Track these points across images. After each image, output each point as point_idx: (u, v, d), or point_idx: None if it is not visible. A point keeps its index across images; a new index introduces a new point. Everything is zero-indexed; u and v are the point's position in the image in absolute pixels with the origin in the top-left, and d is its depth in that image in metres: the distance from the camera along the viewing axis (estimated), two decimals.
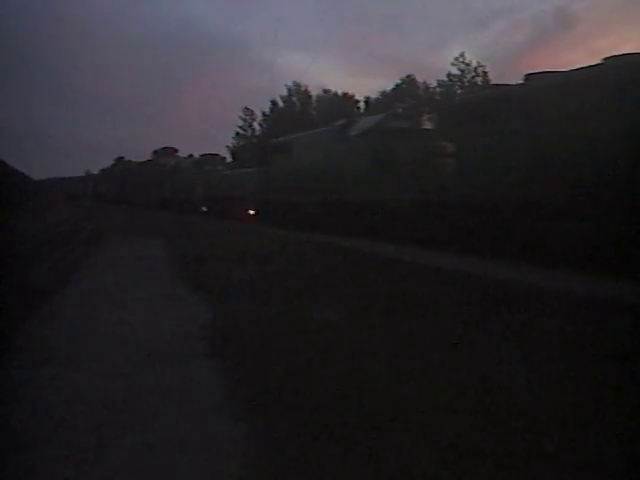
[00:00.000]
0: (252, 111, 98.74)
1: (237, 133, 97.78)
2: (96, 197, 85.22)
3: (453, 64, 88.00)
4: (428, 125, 27.12)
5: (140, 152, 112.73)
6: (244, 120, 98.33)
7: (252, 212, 39.64)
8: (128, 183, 71.35)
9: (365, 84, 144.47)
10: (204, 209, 49.20)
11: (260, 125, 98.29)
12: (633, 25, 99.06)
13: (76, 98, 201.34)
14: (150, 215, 49.70)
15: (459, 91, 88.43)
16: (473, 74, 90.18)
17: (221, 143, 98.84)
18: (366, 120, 30.05)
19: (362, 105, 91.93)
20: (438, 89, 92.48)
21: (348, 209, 27.39)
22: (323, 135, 32.22)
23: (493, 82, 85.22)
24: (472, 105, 21.99)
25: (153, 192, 61.69)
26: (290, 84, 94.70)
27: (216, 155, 53.26)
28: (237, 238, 27.44)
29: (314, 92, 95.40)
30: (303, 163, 32.53)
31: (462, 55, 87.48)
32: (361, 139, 27.29)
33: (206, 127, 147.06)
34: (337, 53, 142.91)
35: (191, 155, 58.45)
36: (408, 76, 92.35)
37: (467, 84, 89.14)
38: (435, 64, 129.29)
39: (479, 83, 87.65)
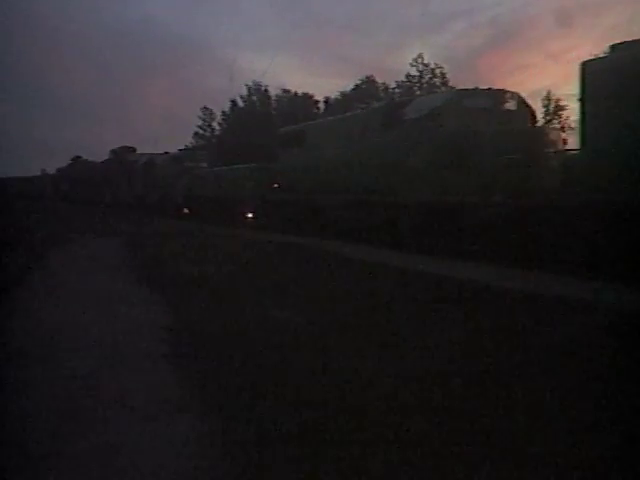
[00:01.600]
0: (211, 111, 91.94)
1: (196, 133, 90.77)
2: (56, 197, 74.55)
3: (412, 65, 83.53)
4: (512, 105, 19.28)
5: (96, 152, 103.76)
6: (203, 120, 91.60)
7: (250, 215, 31.37)
8: (92, 182, 61.51)
9: (325, 84, 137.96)
10: (185, 211, 40.51)
11: (220, 125, 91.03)
12: (587, 29, 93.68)
13: (29, 96, 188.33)
14: (117, 218, 41.39)
15: (417, 92, 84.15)
16: (431, 75, 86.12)
17: (180, 143, 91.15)
18: (425, 100, 22.07)
19: (322, 105, 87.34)
20: (397, 90, 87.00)
21: (398, 213, 19.59)
22: (356, 121, 24.12)
23: (451, 83, 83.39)
24: None
25: (122, 191, 52.32)
26: (250, 84, 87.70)
27: (197, 150, 43.92)
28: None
29: (274, 92, 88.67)
30: (324, 156, 24.42)
31: (420, 56, 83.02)
32: (422, 123, 19.31)
33: (164, 127, 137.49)
34: (296, 53, 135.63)
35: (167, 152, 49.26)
36: (367, 77, 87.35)
37: (425, 85, 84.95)
38: (394, 65, 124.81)
39: (437, 84, 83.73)
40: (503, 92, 19.32)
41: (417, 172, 19.05)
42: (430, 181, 18.39)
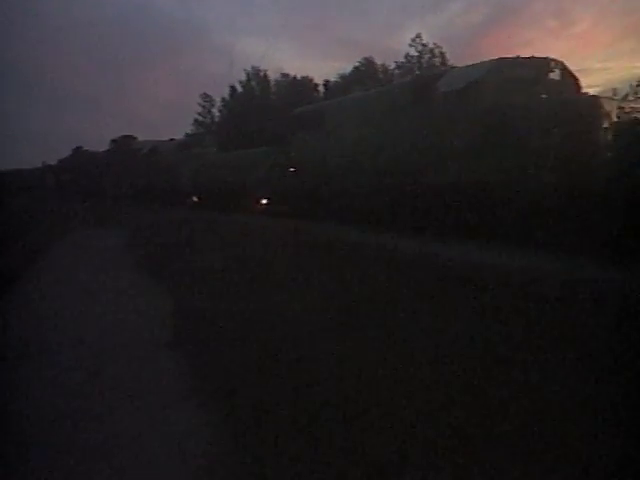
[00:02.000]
0: (211, 97, 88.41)
1: (195, 120, 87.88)
2: (57, 189, 71.95)
3: (411, 45, 78.29)
4: (556, 74, 17.37)
5: (97, 142, 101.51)
6: (203, 107, 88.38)
7: (264, 201, 29.45)
8: (94, 172, 59.09)
9: (323, 67, 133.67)
10: (195, 199, 38.23)
11: (219, 111, 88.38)
12: (585, 5, 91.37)
13: (27, 88, 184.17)
14: (121, 209, 39.40)
15: (417, 72, 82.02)
16: (430, 55, 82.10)
17: (180, 131, 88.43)
18: (461, 71, 20.03)
19: (321, 89, 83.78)
20: (397, 71, 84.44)
21: (440, 198, 17.53)
22: (382, 97, 22.16)
23: (450, 63, 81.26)
24: None
25: (125, 181, 49.93)
26: (249, 69, 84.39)
27: (205, 135, 41.50)
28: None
29: (273, 77, 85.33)
30: (345, 137, 22.50)
31: (419, 36, 77.90)
32: (461, 97, 17.37)
33: (164, 115, 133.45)
34: (294, 37, 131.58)
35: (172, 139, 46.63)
36: (366, 59, 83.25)
37: (425, 65, 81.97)
38: (393, 46, 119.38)
39: (437, 64, 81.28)
40: (547, 61, 17.42)
41: (455, 152, 17.15)
42: (471, 162, 16.50)
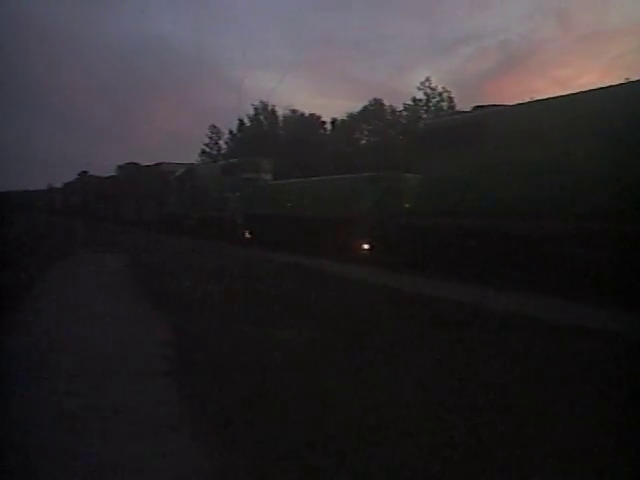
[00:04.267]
0: (218, 129, 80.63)
1: (203, 151, 79.53)
2: (66, 212, 60.99)
3: (419, 88, 72.94)
4: None
5: (101, 167, 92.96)
6: (210, 138, 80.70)
7: (366, 246, 19.83)
8: (111, 196, 48.55)
9: (331, 105, 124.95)
10: (247, 235, 27.66)
11: (226, 143, 79.94)
12: (594, 57, 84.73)
13: (35, 112, 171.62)
14: (148, 240, 29.72)
15: (424, 115, 74.60)
16: (438, 99, 75.34)
17: (186, 161, 78.90)
18: None
19: (329, 126, 76.96)
20: (404, 113, 76.89)
21: None
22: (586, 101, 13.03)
23: (458, 108, 73.93)
24: None
25: (148, 208, 39.03)
26: (257, 103, 77.04)
27: (256, 159, 31.16)
28: None
29: (281, 112, 77.68)
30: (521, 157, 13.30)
31: (428, 80, 72.85)
32: None
33: (170, 144, 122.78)
34: (304, 73, 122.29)
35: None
36: (375, 99, 75.88)
37: (433, 109, 74.83)
38: (401, 88, 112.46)
39: (444, 108, 73.84)
40: None
41: None
42: None
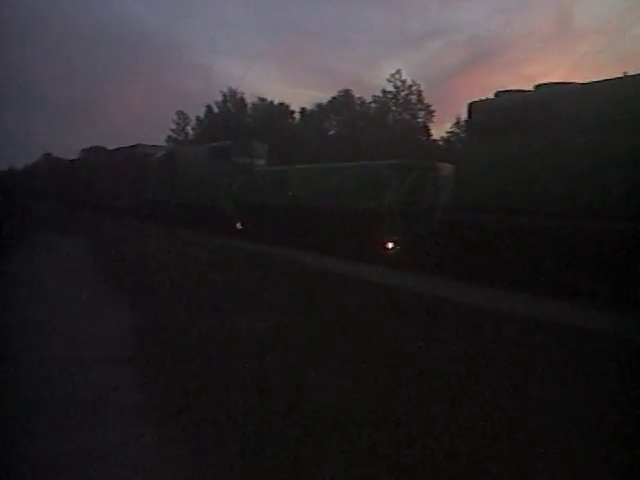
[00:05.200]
0: (186, 115, 76.82)
1: (169, 137, 75.40)
2: (31, 195, 55.80)
3: (389, 81, 70.37)
4: None
5: (66, 150, 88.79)
6: (177, 123, 76.67)
7: (391, 245, 16.50)
8: (80, 179, 43.61)
9: (301, 95, 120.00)
10: (239, 226, 23.84)
11: (193, 130, 76.37)
12: (560, 56, 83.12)
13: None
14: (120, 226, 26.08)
15: (393, 108, 72.10)
16: (408, 92, 71.82)
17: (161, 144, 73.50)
18: None
19: (297, 116, 74.01)
20: (373, 104, 74.17)
21: None
22: None
23: (426, 101, 71.70)
24: None
25: (126, 193, 34.01)
26: (226, 90, 73.19)
27: (250, 142, 26.95)
28: None
29: (250, 100, 74.06)
30: None
31: (398, 72, 70.03)
32: None
33: (136, 128, 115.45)
34: (274, 62, 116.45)
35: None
36: (345, 90, 72.68)
37: (401, 101, 72.16)
38: (370, 79, 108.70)
39: (413, 101, 71.35)
40: None
41: None
42: None
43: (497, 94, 14.21)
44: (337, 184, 18.09)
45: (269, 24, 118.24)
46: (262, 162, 25.00)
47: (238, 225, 23.34)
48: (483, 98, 14.70)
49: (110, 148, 43.90)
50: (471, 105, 14.27)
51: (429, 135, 70.92)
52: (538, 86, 13.59)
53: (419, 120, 71.79)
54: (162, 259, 15.06)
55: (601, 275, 10.84)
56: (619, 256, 10.26)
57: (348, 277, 12.90)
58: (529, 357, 6.57)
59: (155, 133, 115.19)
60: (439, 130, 79.94)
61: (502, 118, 13.21)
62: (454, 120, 72.69)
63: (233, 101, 75.24)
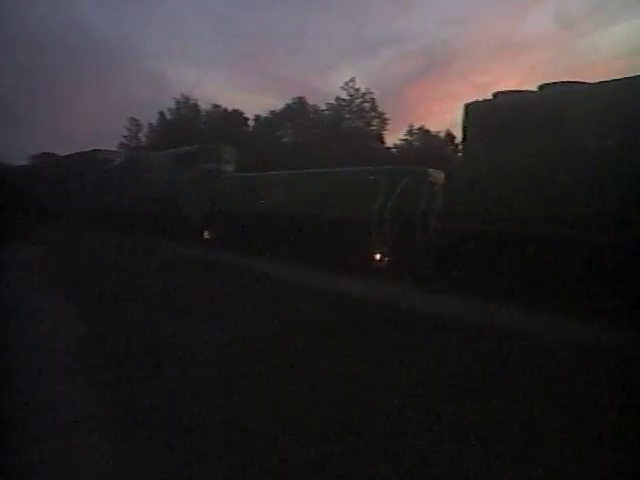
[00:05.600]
0: (138, 121, 73.80)
1: (121, 143, 72.61)
2: None
3: (343, 88, 69.48)
4: None
5: (13, 156, 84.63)
6: (129, 130, 73.70)
7: (378, 256, 15.00)
8: (32, 186, 40.56)
9: (255, 102, 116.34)
10: (206, 235, 22.08)
11: (147, 137, 73.58)
12: (510, 66, 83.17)
13: None
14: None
15: (347, 116, 71.54)
16: (361, 99, 70.92)
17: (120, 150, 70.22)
18: None
19: (252, 123, 72.27)
20: (327, 112, 73.32)
21: None
22: None
23: (380, 109, 71.27)
24: None
25: (83, 200, 31.63)
26: (179, 97, 71.15)
27: (218, 147, 24.99)
28: None
29: (204, 107, 72.06)
30: None
31: (352, 80, 69.35)
32: None
33: (86, 135, 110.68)
34: (228, 69, 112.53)
35: None
36: (299, 98, 71.55)
37: (355, 109, 71.67)
38: (324, 87, 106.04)
39: (367, 109, 70.91)
40: None
41: None
42: None
43: (496, 95, 13.09)
44: (319, 191, 16.70)
45: (223, 31, 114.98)
46: (230, 168, 23.36)
47: (206, 234, 21.73)
48: (479, 99, 13.54)
49: (61, 155, 41.55)
50: (468, 107, 13.10)
51: (383, 143, 70.53)
52: (542, 86, 12.55)
53: (373, 128, 71.22)
54: (121, 271, 13.66)
55: (623, 291, 9.78)
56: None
57: (326, 291, 11.63)
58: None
59: (106, 140, 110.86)
60: (393, 138, 78.67)
61: (504, 120, 12.11)
62: (407, 128, 72.74)
63: (186, 108, 73.17)
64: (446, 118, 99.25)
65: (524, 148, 11.57)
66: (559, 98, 11.56)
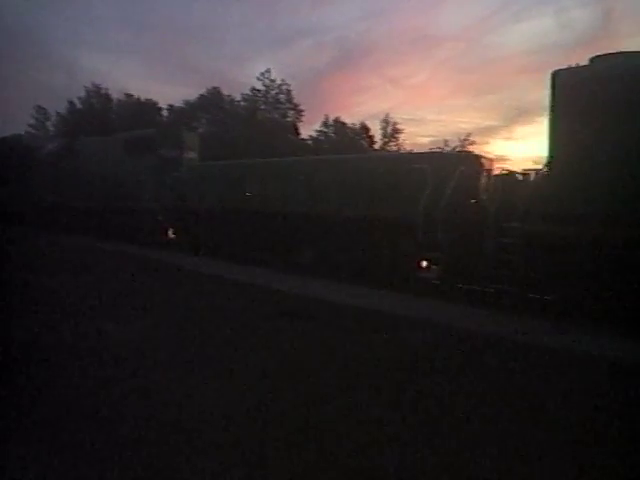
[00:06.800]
0: (45, 110, 67.05)
1: (26, 132, 65.43)
2: None
3: (259, 79, 66.61)
4: None
5: None
6: (36, 119, 67.02)
7: (425, 264, 11.23)
8: None
9: (169, 92, 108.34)
10: (170, 235, 17.52)
11: (55, 126, 66.41)
12: (422, 60, 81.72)
13: None
14: None
15: (263, 106, 67.95)
16: (277, 91, 67.95)
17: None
18: None
19: (165, 113, 67.82)
20: (242, 103, 69.53)
21: None
22: None
23: (295, 100, 68.51)
24: None
25: (8, 193, 24.74)
26: (89, 85, 65.18)
27: (178, 132, 20.21)
28: None
29: (115, 96, 66.68)
30: None
31: (268, 71, 66.51)
32: None
33: None
34: (141, 58, 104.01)
35: None
36: (214, 88, 67.77)
37: (271, 100, 68.34)
38: (240, 78, 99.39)
39: (282, 100, 67.37)
40: None
41: None
42: None
43: (592, 60, 9.65)
44: (332, 182, 12.73)
45: (136, 20, 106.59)
46: (194, 155, 18.86)
47: (170, 234, 17.29)
48: (571, 66, 10.09)
49: None
50: (555, 74, 9.58)
51: (298, 134, 67.83)
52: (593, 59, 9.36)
53: (288, 119, 68.14)
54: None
55: None
56: None
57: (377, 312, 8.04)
58: None
59: (12, 129, 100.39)
60: (308, 130, 75.12)
61: (612, 90, 8.74)
62: (323, 120, 70.22)
63: (97, 97, 67.08)
64: (361, 110, 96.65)
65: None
66: None
